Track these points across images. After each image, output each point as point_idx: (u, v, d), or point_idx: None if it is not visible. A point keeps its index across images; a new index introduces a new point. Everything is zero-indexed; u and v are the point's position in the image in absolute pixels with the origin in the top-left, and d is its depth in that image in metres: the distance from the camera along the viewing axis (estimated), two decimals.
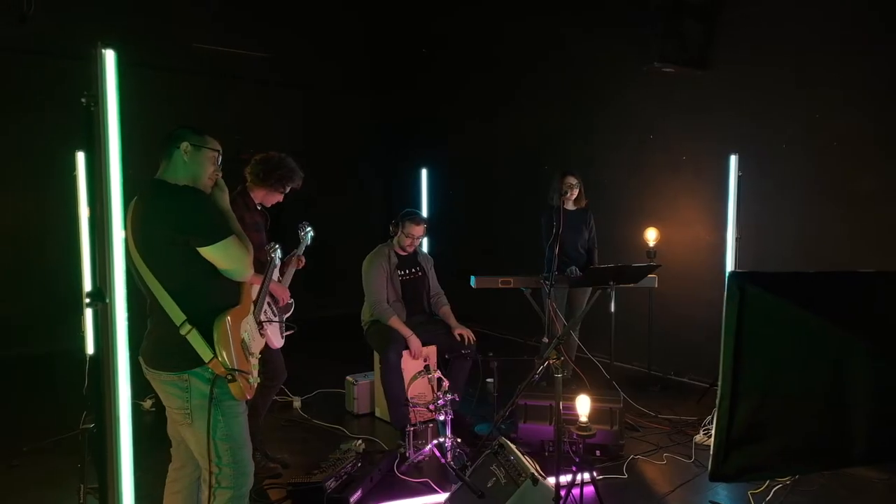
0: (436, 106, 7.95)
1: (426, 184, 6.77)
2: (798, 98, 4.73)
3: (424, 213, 7.81)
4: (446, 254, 7.44)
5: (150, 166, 2.41)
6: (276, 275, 3.84)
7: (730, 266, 4.73)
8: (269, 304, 3.56)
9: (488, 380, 4.86)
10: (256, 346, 2.52)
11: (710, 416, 4.32)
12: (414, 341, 4.30)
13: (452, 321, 4.51)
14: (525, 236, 5.70)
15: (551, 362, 2.52)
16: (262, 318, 2.80)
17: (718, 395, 1.64)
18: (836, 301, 1.56)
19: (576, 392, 3.25)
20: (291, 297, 3.80)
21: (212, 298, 2.26)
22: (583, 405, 3.16)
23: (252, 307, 2.57)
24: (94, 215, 1.82)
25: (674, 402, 4.97)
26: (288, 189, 3.76)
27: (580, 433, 3.11)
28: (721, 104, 5.15)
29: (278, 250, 3.49)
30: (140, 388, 2.39)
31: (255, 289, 2.97)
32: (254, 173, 3.69)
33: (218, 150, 2.44)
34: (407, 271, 4.54)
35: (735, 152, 4.57)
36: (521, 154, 6.92)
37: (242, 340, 2.36)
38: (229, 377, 2.23)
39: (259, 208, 3.76)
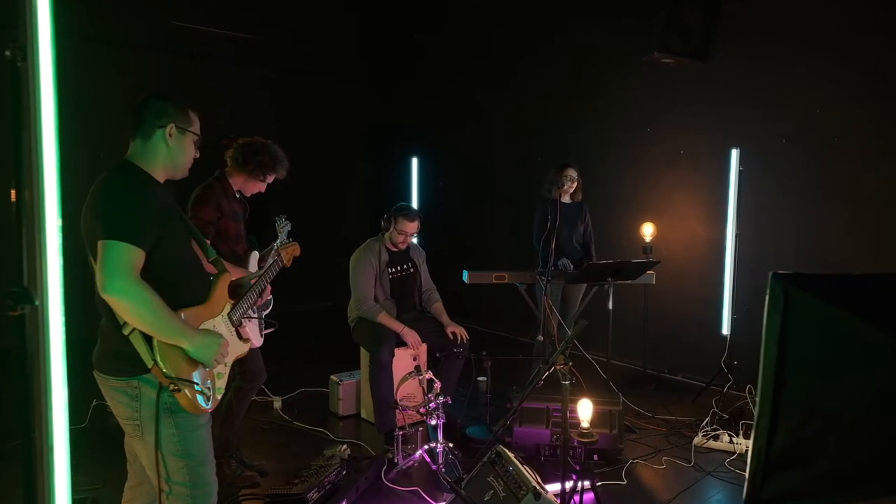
0: (428, 94, 7.72)
1: (416, 174, 6.56)
2: (798, 92, 4.59)
3: (414, 203, 7.64)
4: (436, 247, 7.26)
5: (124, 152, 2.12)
6: (254, 269, 3.63)
7: (729, 263, 4.61)
8: None
9: (479, 378, 4.69)
10: (229, 353, 2.25)
11: (707, 418, 4.18)
12: (408, 333, 4.07)
13: (445, 318, 4.31)
14: (519, 230, 5.53)
15: (559, 367, 2.33)
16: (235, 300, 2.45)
17: (756, 412, 1.47)
18: (892, 306, 1.38)
19: (575, 394, 3.08)
20: (271, 291, 3.58)
21: (165, 294, 1.94)
22: (584, 409, 2.98)
23: (226, 308, 2.30)
24: (21, 200, 1.46)
25: (669, 401, 4.83)
26: (269, 178, 3.52)
27: (582, 439, 2.94)
28: (721, 97, 5.00)
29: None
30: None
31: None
32: (234, 157, 3.46)
33: (199, 135, 2.17)
34: (398, 268, 4.32)
35: (736, 146, 4.42)
36: (516, 144, 6.72)
37: None
38: (171, 387, 1.95)
39: (238, 196, 3.53)
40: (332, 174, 7.97)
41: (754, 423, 1.47)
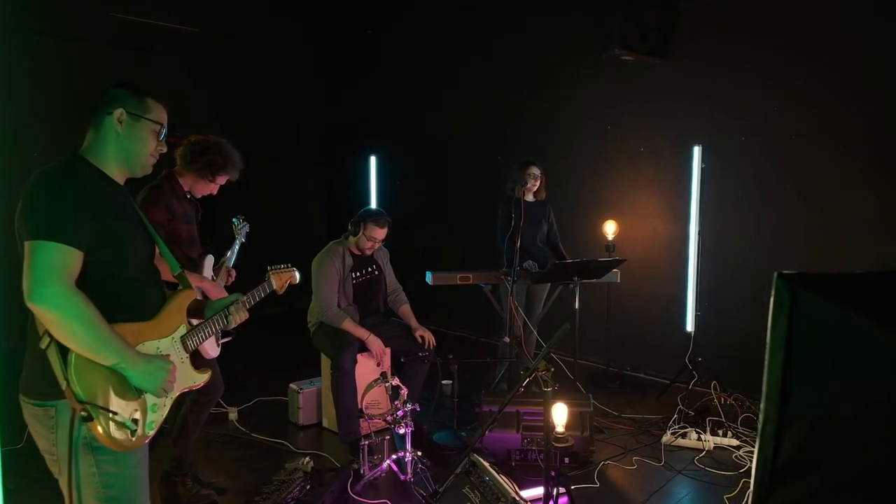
0: (384, 91, 7.53)
1: (375, 172, 6.39)
2: (757, 90, 4.63)
3: (373, 203, 7.46)
4: (396, 247, 7.10)
5: (59, 152, 1.88)
6: (210, 273, 3.43)
7: (693, 261, 4.62)
8: None
9: (444, 382, 4.58)
10: (177, 382, 1.92)
11: (674, 416, 4.18)
12: (373, 341, 3.93)
13: (413, 322, 4.17)
14: (481, 229, 5.43)
15: (540, 374, 2.23)
16: (195, 322, 2.14)
17: (761, 419, 1.39)
18: None
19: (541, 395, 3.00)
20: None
21: (102, 305, 1.66)
22: (559, 413, 2.90)
23: (180, 329, 1.97)
24: None
25: (634, 399, 4.83)
26: (220, 179, 3.33)
27: (558, 445, 2.86)
28: (682, 94, 5.01)
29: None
30: None
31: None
32: (183, 155, 3.26)
33: (162, 124, 1.92)
34: (362, 272, 4.15)
35: (698, 144, 4.43)
36: (476, 143, 6.62)
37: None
38: (82, 413, 1.62)
39: (188, 197, 3.33)
40: (286, 173, 7.72)
41: (759, 431, 1.40)
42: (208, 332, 2.11)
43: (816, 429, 1.36)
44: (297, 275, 2.78)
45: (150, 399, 1.80)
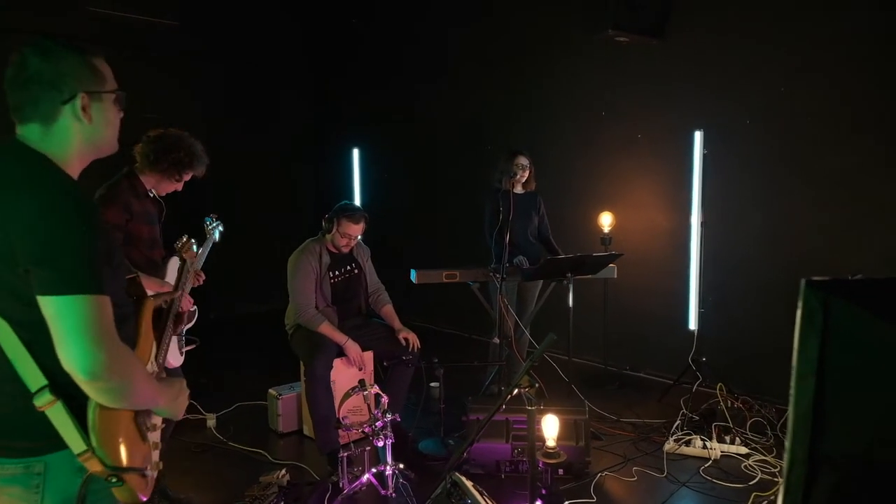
0: (368, 80, 7.25)
1: (358, 165, 6.12)
2: (762, 68, 4.34)
3: (357, 197, 7.19)
4: (382, 243, 6.84)
5: None
6: (174, 277, 3.17)
7: (695, 254, 4.35)
8: None
9: (432, 384, 4.33)
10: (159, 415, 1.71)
11: (677, 421, 3.93)
12: (351, 347, 3.69)
13: (396, 323, 3.92)
14: (470, 223, 5.16)
15: (523, 390, 1.97)
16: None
17: (786, 461, 1.12)
18: None
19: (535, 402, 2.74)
20: (195, 303, 3.13)
21: None
22: (550, 426, 2.65)
23: (153, 350, 1.73)
24: None
25: (634, 401, 4.57)
26: (186, 176, 3.10)
27: (548, 460, 2.61)
28: (680, 76, 4.73)
29: (194, 246, 2.80)
30: None
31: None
32: (144, 154, 3.03)
33: (120, 90, 1.51)
34: (340, 271, 3.89)
35: (699, 128, 4.15)
36: (463, 132, 6.34)
37: (136, 414, 1.50)
38: (113, 479, 1.39)
39: (151, 195, 3.09)
40: (268, 167, 7.47)
41: (783, 474, 1.14)
42: (167, 340, 2.02)
43: (858, 472, 1.10)
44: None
45: (152, 437, 1.58)
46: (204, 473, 3.61)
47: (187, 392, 1.67)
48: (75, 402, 1.35)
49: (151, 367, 1.70)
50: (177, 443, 3.88)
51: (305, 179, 7.98)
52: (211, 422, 4.22)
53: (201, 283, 3.33)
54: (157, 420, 1.64)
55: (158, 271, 3.09)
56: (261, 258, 6.49)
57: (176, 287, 2.68)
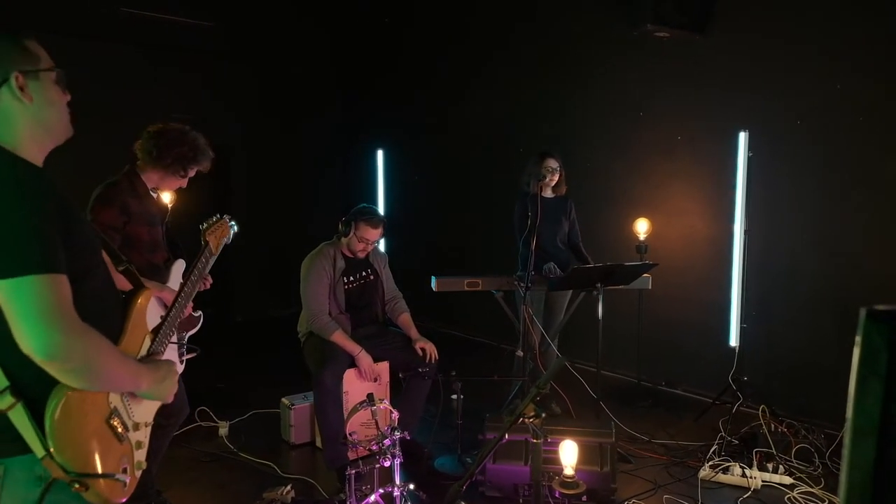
0: (398, 82, 7.12)
1: (382, 167, 5.97)
2: (815, 66, 4.03)
3: (381, 200, 7.04)
4: (407, 248, 6.66)
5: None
6: (178, 281, 3.04)
7: (737, 264, 4.03)
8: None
9: (453, 396, 4.11)
10: (145, 412, 1.63)
11: (714, 445, 3.63)
12: (363, 358, 3.52)
13: (413, 332, 3.73)
14: (497, 228, 4.95)
15: (528, 422, 1.74)
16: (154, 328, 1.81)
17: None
18: None
19: (558, 421, 2.51)
20: (198, 309, 2.99)
21: None
22: (568, 454, 2.40)
23: (146, 343, 1.68)
24: None
25: (668, 420, 4.28)
26: (191, 172, 2.97)
27: (565, 491, 2.36)
28: (725, 74, 4.44)
29: (233, 226, 2.47)
30: None
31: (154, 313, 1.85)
32: (146, 150, 2.92)
33: (57, 67, 1.47)
34: (355, 277, 3.73)
35: (744, 129, 3.85)
36: (494, 135, 6.13)
37: (110, 414, 1.45)
38: (75, 485, 1.35)
39: (154, 195, 2.97)
40: (297, 169, 7.41)
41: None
42: (167, 335, 1.80)
43: None
44: (234, 227, 2.31)
45: (133, 437, 1.54)
46: (210, 485, 3.48)
47: (176, 375, 1.64)
48: (38, 405, 1.32)
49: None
50: (185, 451, 3.78)
51: (336, 182, 7.89)
52: (223, 430, 4.10)
53: (208, 287, 3.20)
54: (143, 418, 1.59)
55: (160, 276, 2.96)
56: (289, 262, 6.41)
57: (187, 281, 2.39)
